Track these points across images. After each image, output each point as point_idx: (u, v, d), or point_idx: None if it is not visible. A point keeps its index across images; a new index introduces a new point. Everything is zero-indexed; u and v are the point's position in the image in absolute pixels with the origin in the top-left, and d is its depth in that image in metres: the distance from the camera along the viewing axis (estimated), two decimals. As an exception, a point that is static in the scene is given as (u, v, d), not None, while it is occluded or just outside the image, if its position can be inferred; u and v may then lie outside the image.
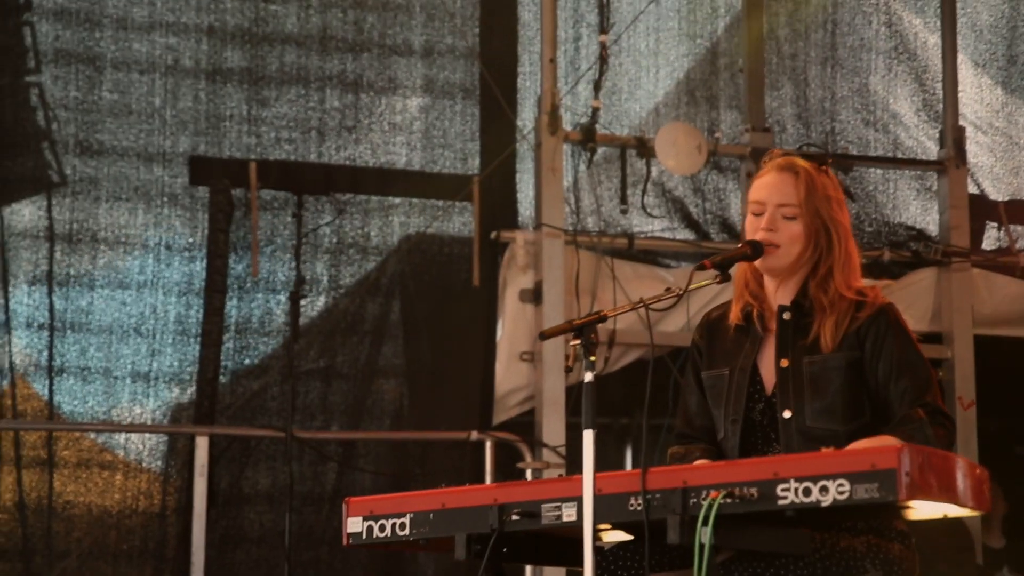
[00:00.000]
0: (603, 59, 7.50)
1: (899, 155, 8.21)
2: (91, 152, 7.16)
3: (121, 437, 7.10)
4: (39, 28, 7.12)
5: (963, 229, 7.92)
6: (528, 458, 7.07)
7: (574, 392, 7.22)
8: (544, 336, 3.61)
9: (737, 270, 3.94)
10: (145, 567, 6.98)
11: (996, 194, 8.40)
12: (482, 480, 6.90)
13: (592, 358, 3.52)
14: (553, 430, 7.15)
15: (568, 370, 3.68)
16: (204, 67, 7.31)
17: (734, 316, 3.96)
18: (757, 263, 3.88)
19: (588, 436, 3.47)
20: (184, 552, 6.85)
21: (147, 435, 7.08)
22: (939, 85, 8.30)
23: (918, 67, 8.41)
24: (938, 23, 8.36)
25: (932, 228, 8.16)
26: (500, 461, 7.11)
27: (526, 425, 7.37)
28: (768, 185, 3.89)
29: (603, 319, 3.59)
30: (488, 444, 7.07)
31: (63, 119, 7.12)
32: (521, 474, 6.99)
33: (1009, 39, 8.63)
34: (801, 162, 3.89)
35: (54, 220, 7.07)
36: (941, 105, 8.26)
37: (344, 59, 7.50)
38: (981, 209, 8.23)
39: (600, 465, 3.47)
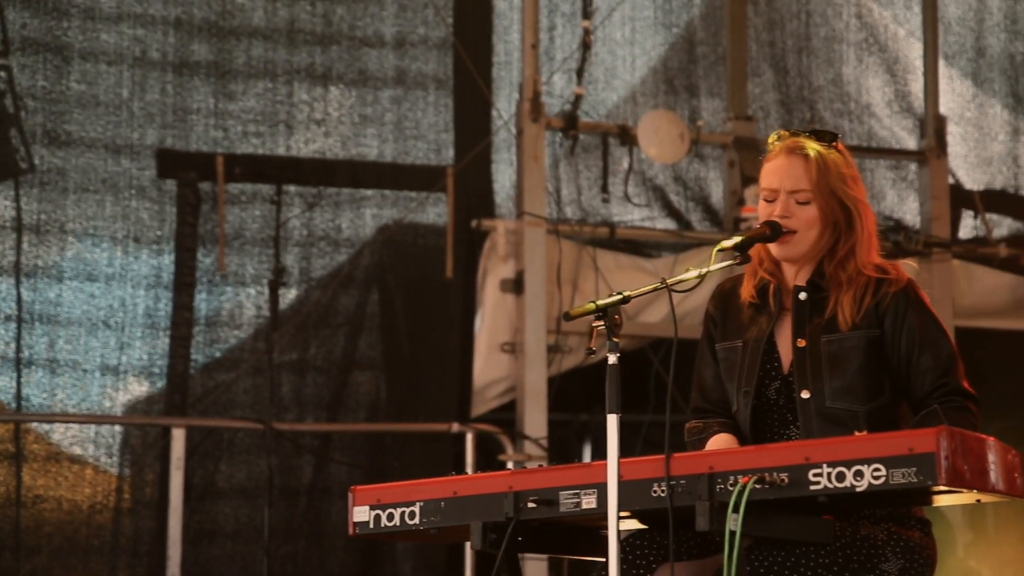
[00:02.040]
0: (586, 45, 7.41)
1: (872, 145, 8.18)
2: (59, 143, 7.10)
3: (91, 431, 6.99)
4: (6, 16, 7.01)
5: (944, 220, 7.90)
6: (509, 450, 6.98)
7: (555, 383, 7.15)
8: (569, 317, 3.50)
9: (752, 250, 3.85)
10: (117, 563, 6.85)
11: (970, 184, 8.38)
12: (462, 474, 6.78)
13: (616, 339, 3.43)
14: (535, 422, 7.07)
15: (590, 352, 3.56)
16: (171, 60, 7.27)
17: (747, 293, 3.86)
18: (773, 251, 3.79)
19: (612, 420, 3.39)
20: (158, 547, 6.72)
21: (117, 429, 6.96)
22: (910, 77, 8.30)
23: (889, 59, 8.40)
24: (907, 15, 8.36)
25: (909, 218, 8.14)
26: (480, 454, 7.01)
27: (505, 418, 7.27)
28: (778, 170, 3.79)
29: (627, 300, 3.50)
30: (469, 436, 6.98)
31: (30, 108, 7.01)
32: (502, 467, 6.88)
33: (977, 32, 8.62)
34: (810, 143, 3.79)
35: (21, 210, 6.93)
36: (911, 97, 8.24)
37: (313, 52, 7.44)
38: (957, 199, 8.21)
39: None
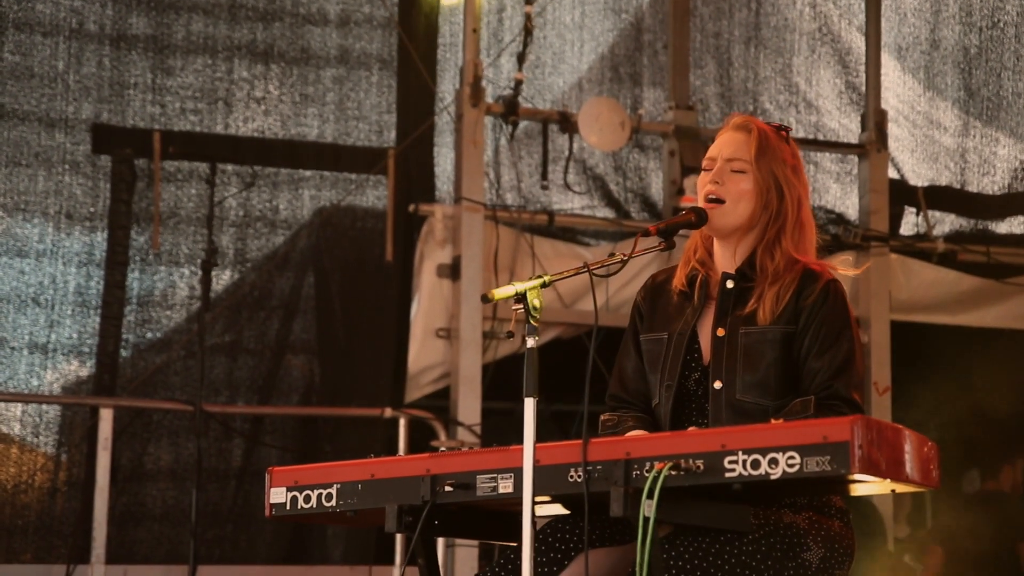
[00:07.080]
0: (528, 30, 7.36)
1: (820, 137, 8.16)
2: (-11, 115, 6.96)
3: (17, 410, 6.88)
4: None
5: (882, 214, 7.89)
6: (442, 436, 6.93)
7: (490, 370, 7.10)
8: (487, 299, 3.46)
9: (690, 237, 3.81)
10: (41, 543, 6.75)
11: (915, 180, 8.37)
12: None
13: (534, 323, 3.39)
14: (468, 408, 7.03)
15: (509, 335, 3.53)
16: (109, 33, 7.14)
17: (678, 281, 3.85)
18: (706, 227, 3.75)
19: (529, 404, 3.35)
20: (83, 528, 6.63)
21: (44, 409, 6.86)
22: (862, 68, 8.26)
23: (841, 49, 8.37)
24: (861, 6, 8.32)
25: (851, 212, 8.13)
26: (413, 440, 6.95)
27: (439, 404, 7.22)
28: (721, 142, 3.81)
29: (547, 284, 3.46)
30: (402, 422, 6.94)
31: (-39, 80, 6.91)
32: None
33: (932, 23, 8.60)
34: (758, 122, 3.78)
35: (-51, 184, 6.84)
36: (863, 88, 8.22)
37: (254, 28, 7.33)
38: (900, 194, 8.21)
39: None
